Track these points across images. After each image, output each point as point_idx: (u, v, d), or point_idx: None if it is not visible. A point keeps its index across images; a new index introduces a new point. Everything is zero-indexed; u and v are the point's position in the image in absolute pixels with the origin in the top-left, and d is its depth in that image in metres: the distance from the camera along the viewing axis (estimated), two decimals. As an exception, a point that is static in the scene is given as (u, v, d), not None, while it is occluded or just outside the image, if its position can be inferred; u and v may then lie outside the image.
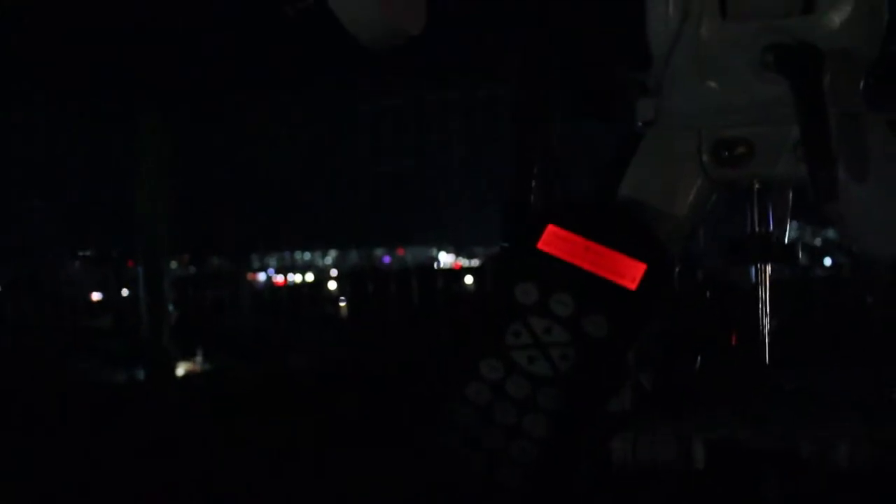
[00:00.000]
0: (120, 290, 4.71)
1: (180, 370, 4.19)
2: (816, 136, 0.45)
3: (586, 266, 0.49)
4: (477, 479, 0.47)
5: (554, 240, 0.49)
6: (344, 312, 5.71)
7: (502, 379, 0.48)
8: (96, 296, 4.82)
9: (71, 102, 2.98)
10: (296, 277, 5.93)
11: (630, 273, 0.48)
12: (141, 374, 3.65)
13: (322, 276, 5.94)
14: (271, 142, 3.86)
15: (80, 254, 4.82)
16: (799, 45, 0.49)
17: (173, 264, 4.89)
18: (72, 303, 4.70)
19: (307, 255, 6.22)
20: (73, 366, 3.87)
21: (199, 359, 4.38)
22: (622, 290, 0.48)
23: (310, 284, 5.84)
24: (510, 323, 0.48)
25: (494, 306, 0.49)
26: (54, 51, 2.24)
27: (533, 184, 0.55)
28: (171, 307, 3.74)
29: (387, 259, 6.27)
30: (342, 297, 5.50)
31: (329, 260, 6.31)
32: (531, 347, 0.48)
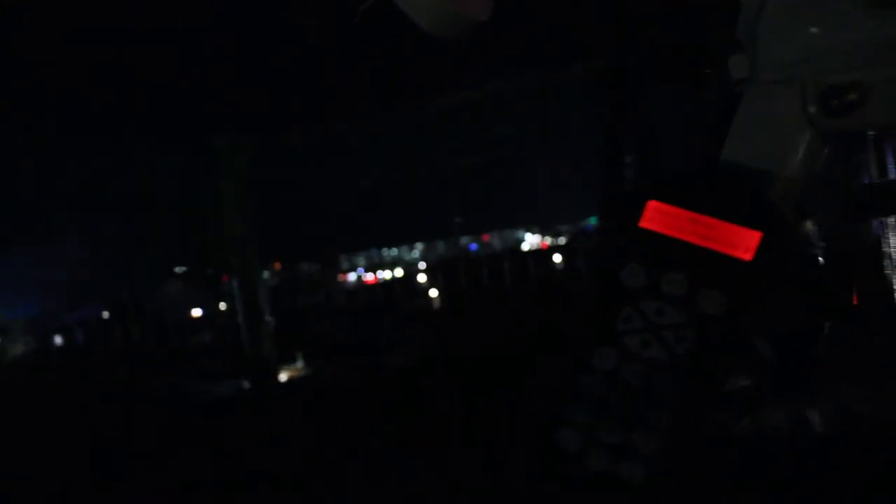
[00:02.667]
0: (217, 305, 4.85)
1: (283, 376, 4.28)
2: None
3: (695, 240, 0.45)
4: (600, 478, 0.44)
5: (657, 216, 0.46)
6: (436, 304, 5.73)
7: (616, 368, 0.45)
8: (196, 312, 4.97)
9: (155, 134, 3.07)
10: (385, 274, 5.98)
11: (744, 243, 0.44)
12: (244, 385, 3.74)
13: (411, 270, 5.97)
14: (352, 144, 3.89)
15: (178, 273, 4.97)
16: None
17: (265, 274, 5.00)
18: (173, 322, 4.86)
19: (394, 251, 6.26)
20: (179, 383, 4.00)
21: (299, 364, 4.47)
22: (738, 262, 0.44)
23: (399, 280, 5.88)
24: (620, 308, 0.46)
25: (601, 292, 0.46)
26: (141, 89, 2.31)
27: (627, 158, 0.52)
28: (268, 316, 3.82)
29: (473, 246, 6.25)
30: (433, 289, 5.51)
31: (416, 253, 6.33)
32: (644, 332, 0.45)
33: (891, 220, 0.54)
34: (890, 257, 0.54)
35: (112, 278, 4.39)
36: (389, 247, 5.95)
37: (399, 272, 6.06)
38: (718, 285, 0.44)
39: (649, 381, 0.45)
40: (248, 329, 3.72)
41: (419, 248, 6.01)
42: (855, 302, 0.58)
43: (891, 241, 0.54)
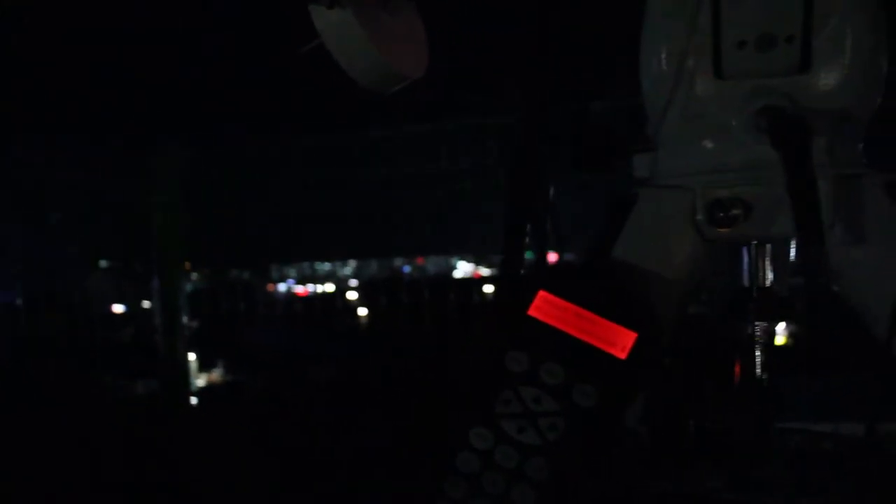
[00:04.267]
0: (141, 302, 4.75)
1: (200, 381, 4.21)
2: (804, 210, 0.44)
3: (577, 334, 0.48)
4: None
5: (545, 306, 0.49)
6: (363, 322, 5.72)
7: (491, 448, 0.48)
8: (118, 308, 4.86)
9: (93, 125, 3.03)
10: (316, 288, 5.95)
11: (621, 342, 0.48)
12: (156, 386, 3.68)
13: (343, 287, 5.95)
14: (291, 158, 3.89)
15: (102, 267, 4.86)
16: (789, 116, 0.48)
17: (193, 277, 4.92)
18: (93, 316, 4.74)
19: (327, 266, 6.24)
20: (94, 378, 3.91)
21: (219, 370, 4.41)
22: (612, 360, 0.47)
23: (330, 295, 5.86)
24: (501, 391, 0.48)
25: (485, 374, 0.49)
26: (76, 80, 2.28)
27: (525, 242, 0.55)
28: (185, 319, 3.77)
29: (406, 269, 6.27)
30: (361, 308, 5.51)
31: (349, 270, 6.32)
32: (521, 417, 0.48)
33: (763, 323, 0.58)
34: (759, 356, 0.58)
35: (34, 268, 4.27)
36: (323, 261, 5.91)
37: (330, 287, 6.03)
38: (591, 380, 0.47)
39: (521, 463, 0.47)
40: (165, 330, 3.67)
41: (352, 265, 5.99)
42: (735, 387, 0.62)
43: (762, 342, 0.58)
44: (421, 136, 3.50)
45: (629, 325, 0.48)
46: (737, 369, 0.60)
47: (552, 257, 0.57)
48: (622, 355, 0.47)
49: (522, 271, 0.53)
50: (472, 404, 0.48)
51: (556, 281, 0.49)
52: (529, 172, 0.57)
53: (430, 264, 6.37)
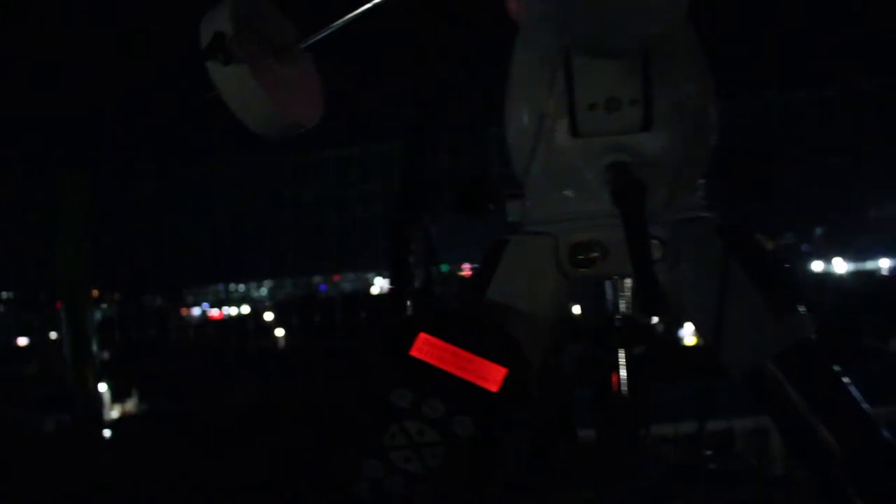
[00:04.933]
0: (47, 334, 4.62)
1: (115, 412, 4.12)
2: (638, 262, 0.51)
3: (454, 371, 0.54)
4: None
5: (425, 347, 0.55)
6: (281, 343, 5.69)
7: (382, 478, 0.53)
8: (22, 341, 4.72)
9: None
10: (231, 310, 5.89)
11: (493, 377, 0.54)
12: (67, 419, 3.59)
13: (258, 308, 5.91)
14: (201, 184, 3.87)
15: (4, 298, 4.72)
16: (627, 175, 0.55)
17: (103, 305, 4.81)
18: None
19: (241, 288, 6.18)
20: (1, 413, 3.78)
21: (133, 400, 4.32)
22: (486, 393, 0.53)
23: (246, 317, 5.81)
24: (388, 425, 0.53)
25: (373, 409, 0.54)
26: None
27: (409, 277, 0.61)
28: (95, 349, 3.68)
29: (323, 287, 6.26)
30: (278, 329, 5.48)
31: (265, 291, 6.28)
32: (407, 448, 0.53)
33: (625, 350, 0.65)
34: (623, 382, 0.65)
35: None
36: (237, 283, 5.84)
37: (245, 309, 5.95)
38: (468, 411, 0.53)
39: (410, 490, 0.53)
40: (74, 361, 3.58)
41: (267, 286, 5.94)
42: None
43: (625, 365, 0.66)
44: (336, 160, 3.55)
45: (500, 362, 0.54)
46: (612, 385, 0.67)
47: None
48: (495, 388, 0.53)
49: (407, 302, 0.59)
50: (363, 438, 0.53)
51: (434, 324, 0.55)
52: (412, 212, 0.63)
53: (346, 282, 6.37)
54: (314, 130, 0.73)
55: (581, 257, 0.59)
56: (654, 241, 0.58)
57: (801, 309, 0.58)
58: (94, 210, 3.42)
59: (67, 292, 3.59)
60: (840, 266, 4.41)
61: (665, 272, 0.58)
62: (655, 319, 0.55)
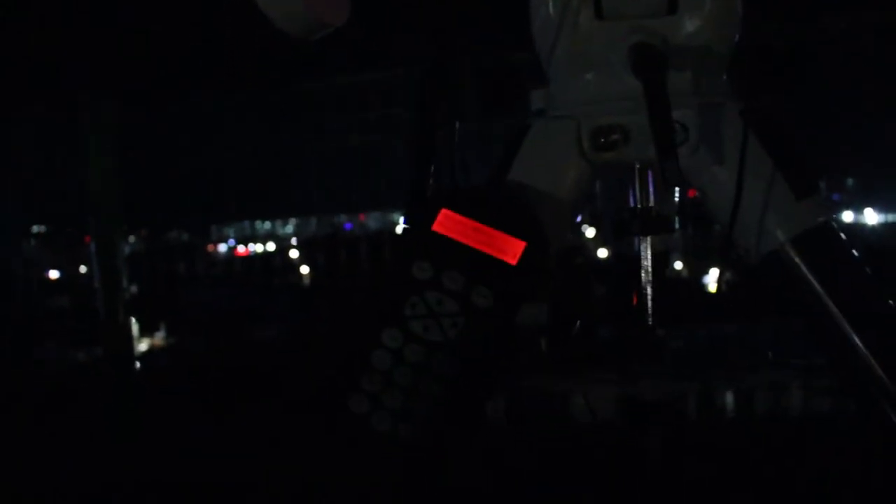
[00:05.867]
0: (77, 267, 4.70)
1: (142, 346, 4.20)
2: (660, 131, 0.51)
3: (474, 244, 0.55)
4: (382, 436, 0.54)
5: (447, 222, 0.56)
6: (306, 281, 5.75)
7: (401, 346, 0.54)
8: (54, 274, 4.80)
9: (25, 86, 2.97)
10: (257, 247, 5.94)
11: (511, 250, 0.55)
12: (99, 353, 3.67)
13: (283, 245, 5.95)
14: (229, 117, 3.88)
15: (36, 233, 4.79)
16: (651, 51, 0.55)
17: (131, 239, 4.88)
18: (29, 282, 4.68)
19: (267, 225, 6.22)
20: (33, 347, 3.87)
21: (160, 334, 4.40)
22: (504, 266, 0.54)
23: (271, 254, 5.86)
24: (408, 296, 0.55)
25: (394, 281, 0.55)
26: (10, 36, 2.25)
27: (431, 171, 0.61)
28: (125, 283, 3.74)
29: (348, 226, 6.29)
30: (303, 266, 5.53)
31: (290, 228, 6.32)
32: (426, 318, 0.54)
33: (647, 239, 0.66)
34: (645, 269, 0.66)
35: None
36: (262, 220, 5.89)
37: (271, 246, 6.01)
38: (488, 283, 0.54)
39: (428, 358, 0.54)
40: (105, 295, 3.63)
41: (292, 223, 5.98)
42: (634, 302, 0.69)
43: (646, 256, 0.66)
44: (355, 87, 3.51)
45: (519, 236, 0.55)
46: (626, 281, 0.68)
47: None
48: (513, 261, 0.54)
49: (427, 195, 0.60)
50: (383, 308, 0.55)
51: (456, 199, 0.56)
52: (432, 112, 0.63)
53: (372, 220, 6.39)
54: (339, 46, 0.73)
55: (603, 140, 0.60)
56: (676, 125, 0.58)
57: (821, 193, 0.58)
58: (122, 143, 3.44)
59: (97, 225, 3.64)
60: (871, 217, 4.35)
61: (686, 157, 0.58)
62: (676, 193, 0.55)
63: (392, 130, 3.67)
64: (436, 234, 0.55)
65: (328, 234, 5.41)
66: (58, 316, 4.53)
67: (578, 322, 0.64)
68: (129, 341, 3.92)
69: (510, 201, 0.57)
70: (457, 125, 0.64)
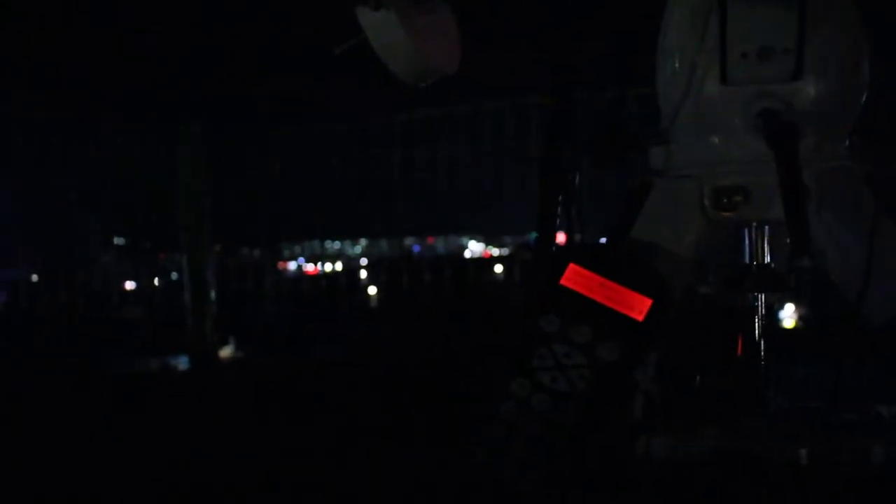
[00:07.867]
0: (152, 280, 4.83)
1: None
2: (792, 203, 0.53)
3: (601, 300, 0.57)
4: (505, 483, 0.56)
5: (574, 276, 0.58)
6: (374, 302, 5.81)
7: (529, 396, 0.57)
8: (129, 285, 4.95)
9: (121, 111, 3.11)
10: (326, 266, 6.03)
11: (638, 307, 0.57)
12: (180, 362, 3.77)
13: (352, 266, 6.03)
14: (305, 141, 3.98)
15: (115, 244, 4.95)
16: (782, 119, 0.56)
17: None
18: (106, 293, 4.83)
19: (337, 244, 6.32)
20: (104, 355, 3.99)
21: (231, 347, 4.50)
22: (632, 321, 0.56)
23: (339, 273, 5.94)
24: (537, 348, 0.57)
25: (524, 334, 0.58)
26: (111, 64, 2.36)
27: (556, 226, 0.64)
28: (213, 296, 3.86)
29: (417, 248, 6.34)
30: (371, 287, 5.59)
31: (359, 249, 6.40)
32: (553, 369, 0.57)
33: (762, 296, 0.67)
34: (760, 326, 0.67)
35: (45, 243, 4.36)
36: (333, 240, 5.98)
37: (339, 266, 6.09)
38: (615, 338, 0.56)
39: (554, 408, 0.56)
40: (194, 307, 3.76)
41: (362, 243, 6.06)
42: (739, 353, 0.71)
43: (761, 310, 0.67)
44: (433, 120, 3.58)
45: (645, 293, 0.57)
46: (739, 338, 0.69)
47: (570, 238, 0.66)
48: (640, 318, 0.56)
49: (554, 249, 0.62)
50: (513, 360, 0.57)
51: (584, 256, 0.58)
52: (559, 165, 0.65)
53: (441, 244, 6.42)
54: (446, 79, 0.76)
55: (725, 200, 0.61)
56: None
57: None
58: (210, 163, 3.57)
59: (189, 241, 3.78)
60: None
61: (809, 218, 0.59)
62: (804, 262, 0.56)
63: (473, 162, 3.71)
64: (564, 288, 0.58)
65: (398, 256, 5.47)
66: (132, 325, 4.67)
67: (698, 376, 0.65)
68: (213, 352, 4.02)
69: (636, 258, 0.59)
70: (576, 177, 0.66)
